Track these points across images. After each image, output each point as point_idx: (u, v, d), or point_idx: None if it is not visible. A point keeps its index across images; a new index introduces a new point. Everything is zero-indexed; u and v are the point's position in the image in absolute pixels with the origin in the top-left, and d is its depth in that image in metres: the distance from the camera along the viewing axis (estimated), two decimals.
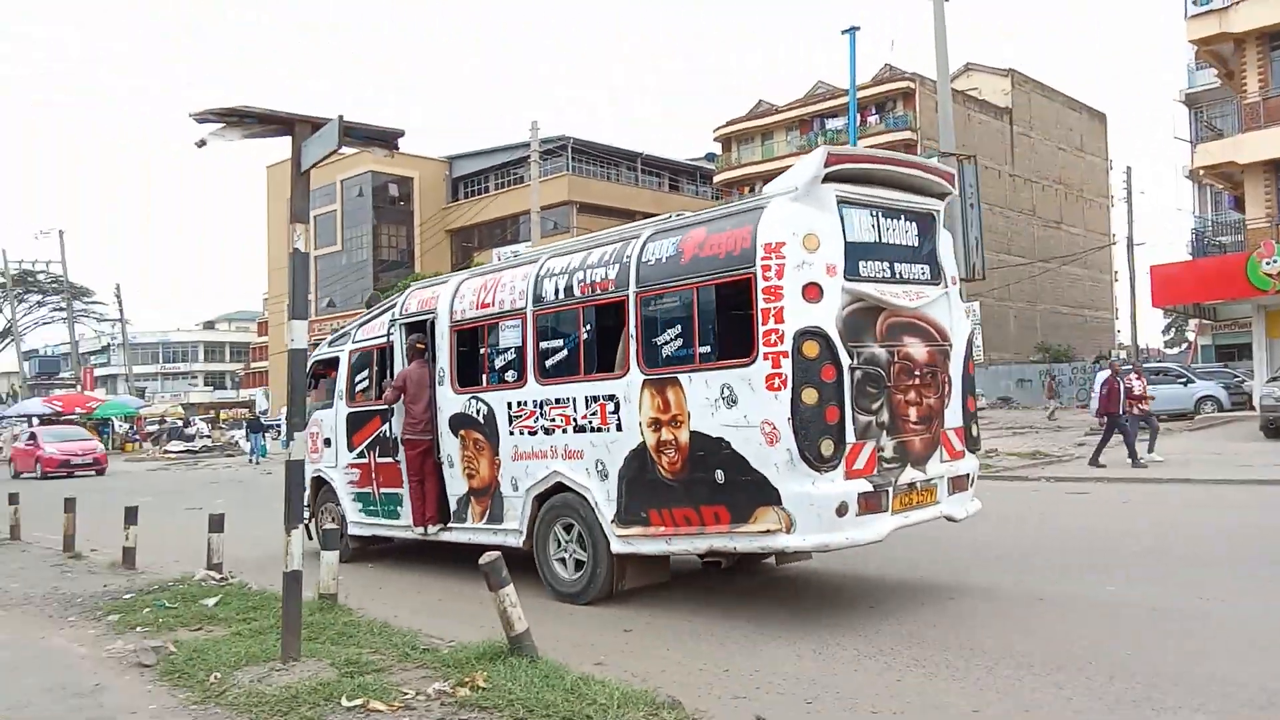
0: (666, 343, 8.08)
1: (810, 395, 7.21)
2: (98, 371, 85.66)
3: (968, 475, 8.32)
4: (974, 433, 8.56)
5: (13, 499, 14.69)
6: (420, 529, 10.48)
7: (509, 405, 9.46)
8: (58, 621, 8.20)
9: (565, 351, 9.13)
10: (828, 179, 7.61)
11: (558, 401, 8.98)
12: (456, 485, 10.06)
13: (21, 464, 33.63)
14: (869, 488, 7.34)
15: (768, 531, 7.29)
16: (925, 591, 8.49)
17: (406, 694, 5.67)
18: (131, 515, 11.47)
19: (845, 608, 8.05)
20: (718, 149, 66.54)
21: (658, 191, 68.45)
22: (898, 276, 8.02)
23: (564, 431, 8.88)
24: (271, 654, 6.60)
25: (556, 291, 9.07)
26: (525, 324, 9.37)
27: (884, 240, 7.99)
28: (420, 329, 10.81)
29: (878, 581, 9.05)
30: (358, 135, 7.02)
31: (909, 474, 7.71)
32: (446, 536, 10.26)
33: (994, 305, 54.54)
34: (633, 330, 8.25)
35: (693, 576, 9.54)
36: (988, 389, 48.46)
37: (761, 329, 7.33)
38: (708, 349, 7.81)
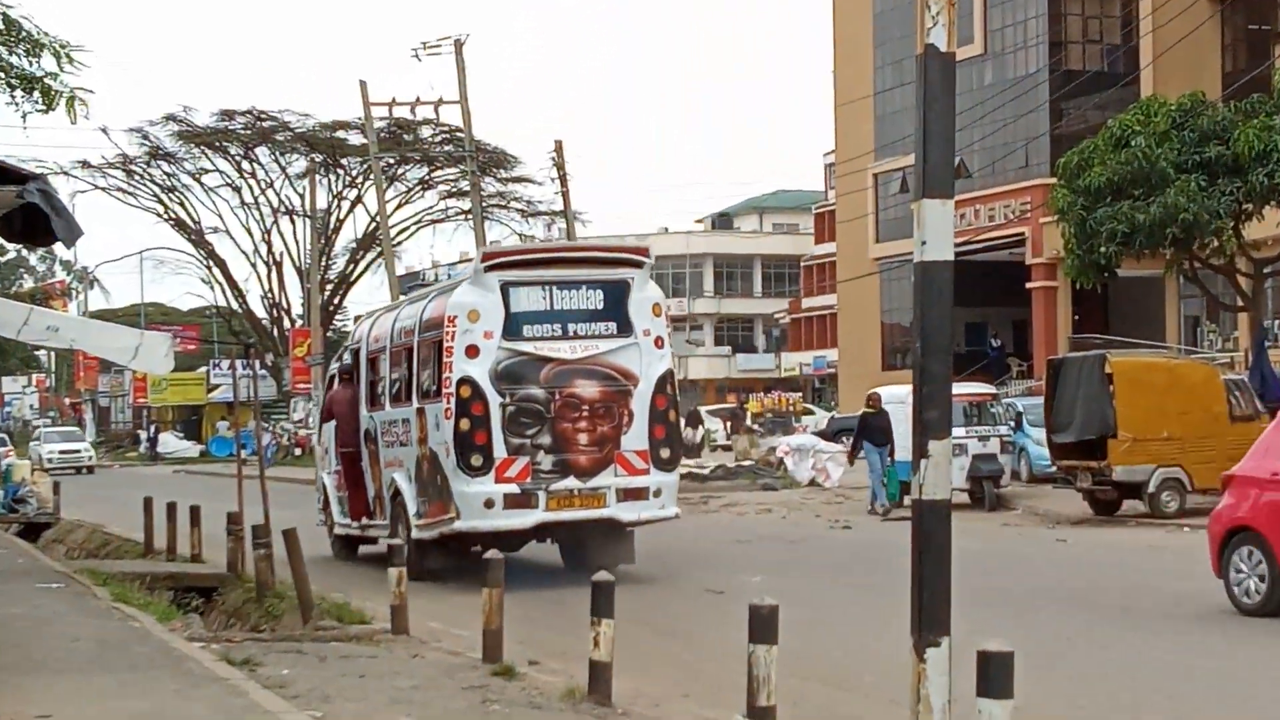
0: (423, 380, 11.94)
1: (465, 424, 11.09)
2: None
3: (647, 488, 11.36)
4: (663, 454, 11.43)
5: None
6: (356, 524, 13.64)
7: (383, 424, 12.93)
8: None
9: (398, 383, 12.73)
10: (491, 268, 11.56)
11: (395, 422, 12.60)
12: (370, 488, 13.29)
13: None
14: (516, 490, 11.07)
15: (451, 519, 11.21)
16: None
17: None
18: (604, 602, 6.30)
19: None
20: None
21: None
22: (569, 334, 11.44)
23: (398, 445, 12.40)
24: None
25: (396, 335, 12.80)
26: (386, 358, 13.08)
27: (556, 307, 11.45)
28: (356, 355, 14.33)
29: None
30: None
31: (568, 483, 11.18)
32: (371, 531, 13.34)
33: None
34: (415, 370, 12.21)
35: None
36: None
37: (444, 376, 11.33)
38: (435, 387, 11.60)
